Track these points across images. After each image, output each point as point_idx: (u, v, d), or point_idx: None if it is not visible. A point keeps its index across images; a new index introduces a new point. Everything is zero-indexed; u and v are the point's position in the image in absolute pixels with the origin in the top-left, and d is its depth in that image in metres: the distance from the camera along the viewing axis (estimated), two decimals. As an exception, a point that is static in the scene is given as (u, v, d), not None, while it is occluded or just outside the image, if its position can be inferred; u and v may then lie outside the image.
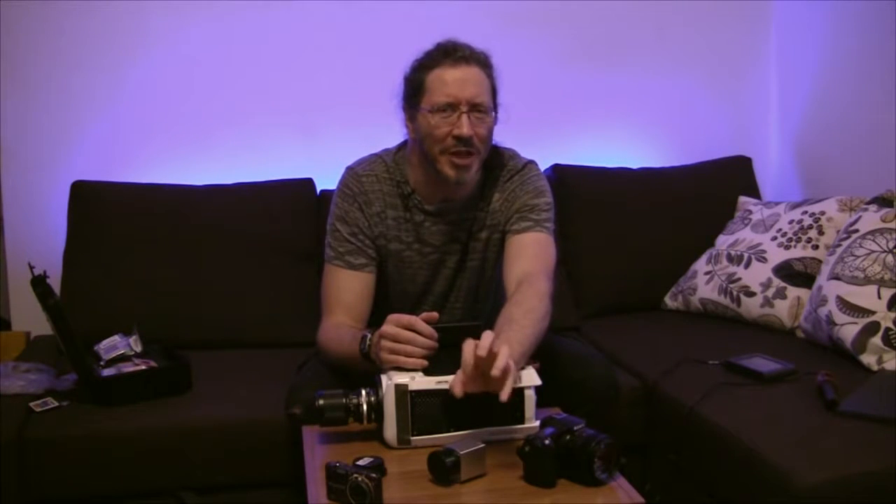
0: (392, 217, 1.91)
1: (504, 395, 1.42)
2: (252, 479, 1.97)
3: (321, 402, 1.54)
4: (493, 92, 1.84)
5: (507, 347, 1.44)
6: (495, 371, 1.40)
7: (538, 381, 1.55)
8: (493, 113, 1.83)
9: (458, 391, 1.45)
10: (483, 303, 2.01)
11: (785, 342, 2.32)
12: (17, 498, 1.84)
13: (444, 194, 1.89)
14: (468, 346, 1.44)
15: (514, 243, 1.87)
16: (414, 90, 1.83)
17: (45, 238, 2.58)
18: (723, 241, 2.66)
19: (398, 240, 1.92)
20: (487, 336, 1.43)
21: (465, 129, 1.77)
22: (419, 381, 1.52)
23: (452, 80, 1.78)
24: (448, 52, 1.81)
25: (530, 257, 1.84)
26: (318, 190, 2.61)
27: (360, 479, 1.34)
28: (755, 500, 1.69)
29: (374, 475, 1.34)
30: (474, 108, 1.79)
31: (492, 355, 1.41)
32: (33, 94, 2.59)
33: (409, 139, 1.91)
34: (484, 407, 1.52)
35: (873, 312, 2.08)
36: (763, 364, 2.07)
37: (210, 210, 2.52)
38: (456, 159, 1.80)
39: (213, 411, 1.98)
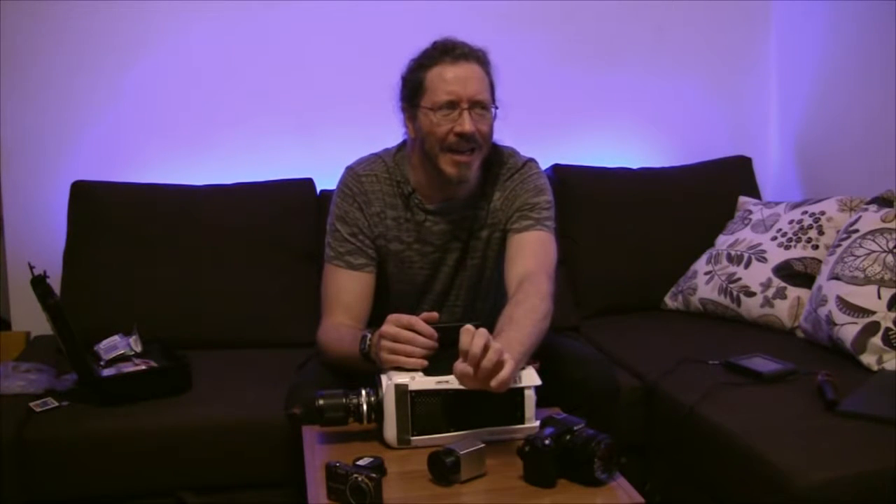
0: (392, 217, 1.91)
1: (497, 384, 1.42)
2: (252, 479, 1.97)
3: (321, 402, 1.54)
4: (492, 88, 1.84)
5: (499, 344, 1.44)
6: (486, 363, 1.40)
7: (538, 381, 1.55)
8: (494, 109, 1.83)
9: (461, 370, 1.43)
10: (483, 301, 2.00)
11: (785, 342, 2.32)
12: (18, 498, 1.84)
13: (444, 193, 1.89)
14: (465, 337, 1.43)
15: (515, 242, 1.87)
16: (413, 89, 1.83)
17: (45, 238, 2.58)
18: (723, 241, 2.66)
19: (398, 240, 1.92)
20: (481, 335, 1.42)
21: (467, 125, 1.77)
22: (419, 381, 1.52)
23: (453, 78, 1.78)
24: (447, 50, 1.81)
25: (531, 256, 1.84)
26: (318, 190, 2.61)
27: (360, 479, 1.34)
28: (755, 500, 1.69)
29: (374, 475, 1.34)
30: (475, 104, 1.79)
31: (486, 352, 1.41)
32: (33, 95, 2.60)
33: (408, 139, 1.91)
34: (484, 407, 1.52)
35: (873, 312, 2.08)
36: (763, 364, 2.07)
37: (210, 210, 2.52)
38: (457, 157, 1.80)
39: (213, 411, 1.98)
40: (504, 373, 1.43)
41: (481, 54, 1.84)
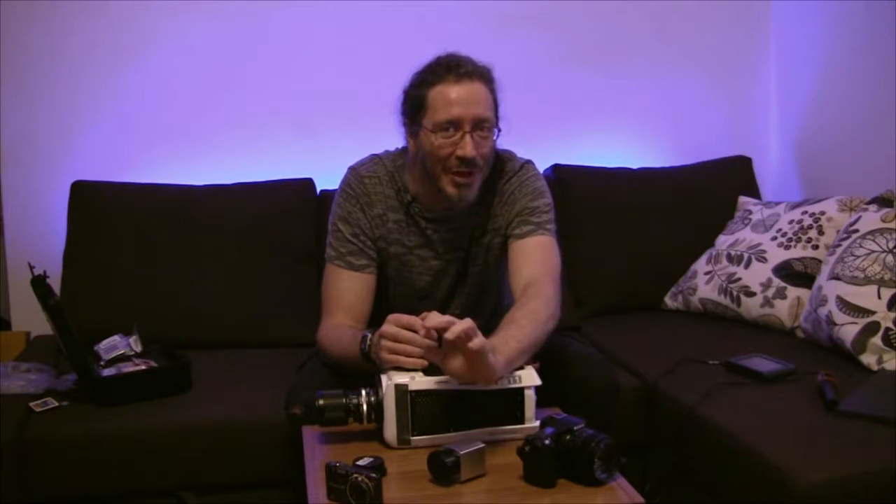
0: (393, 220, 1.91)
1: (452, 332, 1.43)
2: (252, 479, 1.97)
3: (321, 402, 1.54)
4: (496, 106, 1.82)
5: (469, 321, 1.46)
6: (449, 335, 1.42)
7: (538, 381, 1.55)
8: (496, 129, 1.81)
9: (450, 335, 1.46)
10: (484, 306, 2.00)
11: (785, 342, 2.32)
12: (18, 498, 1.84)
13: (445, 204, 1.87)
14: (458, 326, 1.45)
15: (518, 248, 1.86)
16: (415, 106, 1.80)
17: (45, 238, 2.58)
18: (723, 241, 2.66)
19: (399, 243, 1.92)
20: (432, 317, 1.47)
21: (468, 150, 1.75)
22: (419, 381, 1.52)
23: (456, 98, 1.75)
24: (451, 68, 1.77)
25: (535, 262, 1.83)
26: (318, 190, 2.61)
27: (360, 479, 1.34)
28: (755, 500, 1.69)
29: (374, 475, 1.34)
30: (477, 126, 1.76)
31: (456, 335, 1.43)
32: (34, 95, 2.60)
33: (409, 151, 1.89)
34: (484, 407, 1.53)
35: (873, 312, 2.08)
36: (763, 364, 2.07)
37: (210, 210, 2.52)
38: (458, 178, 1.78)
39: (213, 411, 1.98)
40: (476, 340, 1.43)
41: (486, 72, 1.80)
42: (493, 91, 1.81)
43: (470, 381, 1.50)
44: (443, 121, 1.76)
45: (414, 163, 1.88)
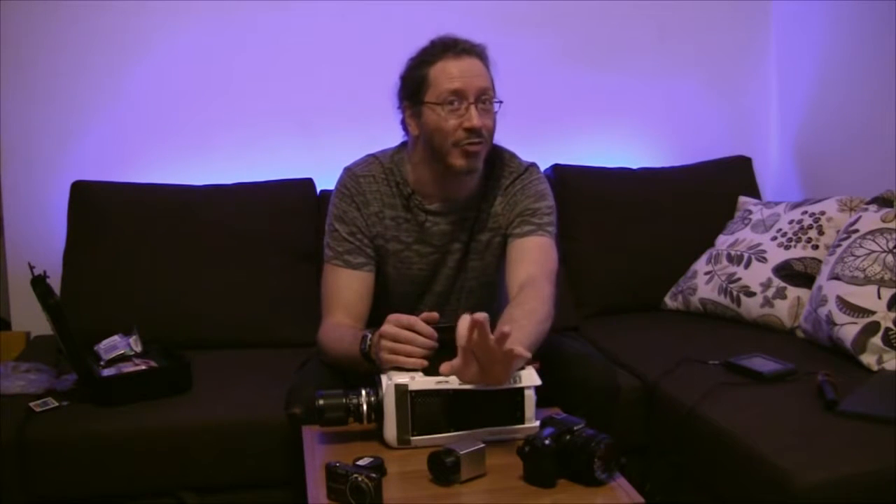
0: (391, 217, 1.91)
1: (515, 350, 1.44)
2: (252, 479, 1.97)
3: (321, 402, 1.54)
4: (492, 83, 1.85)
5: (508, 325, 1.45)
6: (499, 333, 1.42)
7: (538, 381, 1.55)
8: (497, 103, 1.84)
9: (446, 371, 1.48)
10: (486, 307, 2.00)
11: (785, 342, 2.32)
12: (18, 498, 1.84)
13: (445, 193, 1.89)
14: (462, 325, 1.44)
15: (517, 247, 1.87)
16: (416, 86, 1.83)
17: (45, 238, 2.58)
18: (723, 241, 2.66)
19: (397, 240, 1.92)
20: (464, 319, 1.44)
21: (475, 120, 1.78)
22: (419, 381, 1.52)
23: (458, 72, 1.79)
24: (448, 46, 1.82)
25: (532, 261, 1.84)
26: (318, 190, 2.61)
27: (360, 479, 1.34)
28: (755, 500, 1.69)
29: (374, 475, 1.34)
30: (481, 98, 1.80)
31: (484, 338, 1.43)
32: (34, 94, 2.60)
33: (409, 138, 1.91)
34: (484, 407, 1.52)
35: (873, 312, 2.08)
36: (763, 364, 2.07)
37: (210, 210, 2.52)
38: (468, 148, 1.80)
39: (213, 411, 1.98)
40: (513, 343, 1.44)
41: (481, 49, 1.85)
42: (489, 68, 1.85)
43: (481, 382, 1.50)
44: (447, 94, 1.79)
45: (415, 147, 1.89)
